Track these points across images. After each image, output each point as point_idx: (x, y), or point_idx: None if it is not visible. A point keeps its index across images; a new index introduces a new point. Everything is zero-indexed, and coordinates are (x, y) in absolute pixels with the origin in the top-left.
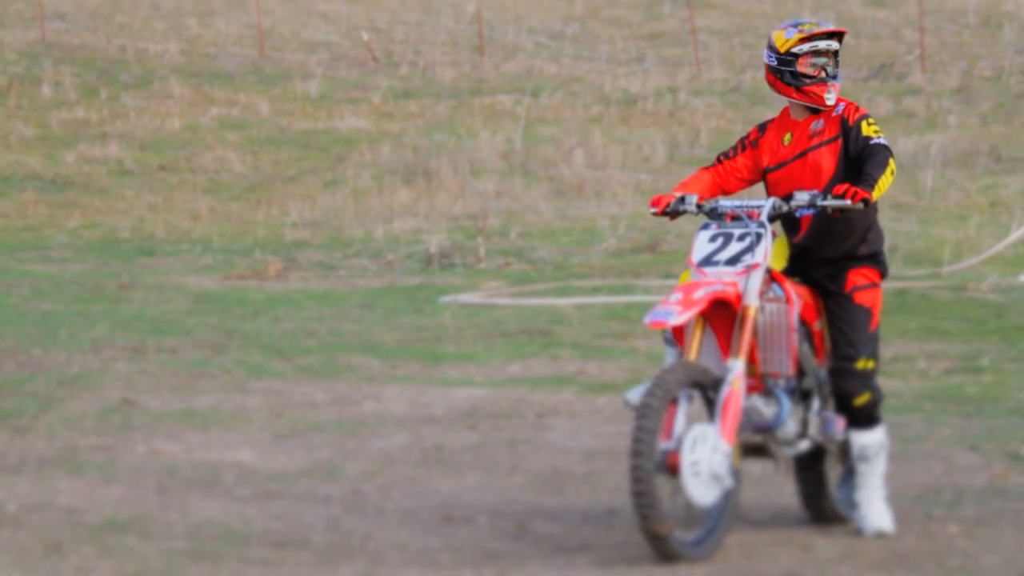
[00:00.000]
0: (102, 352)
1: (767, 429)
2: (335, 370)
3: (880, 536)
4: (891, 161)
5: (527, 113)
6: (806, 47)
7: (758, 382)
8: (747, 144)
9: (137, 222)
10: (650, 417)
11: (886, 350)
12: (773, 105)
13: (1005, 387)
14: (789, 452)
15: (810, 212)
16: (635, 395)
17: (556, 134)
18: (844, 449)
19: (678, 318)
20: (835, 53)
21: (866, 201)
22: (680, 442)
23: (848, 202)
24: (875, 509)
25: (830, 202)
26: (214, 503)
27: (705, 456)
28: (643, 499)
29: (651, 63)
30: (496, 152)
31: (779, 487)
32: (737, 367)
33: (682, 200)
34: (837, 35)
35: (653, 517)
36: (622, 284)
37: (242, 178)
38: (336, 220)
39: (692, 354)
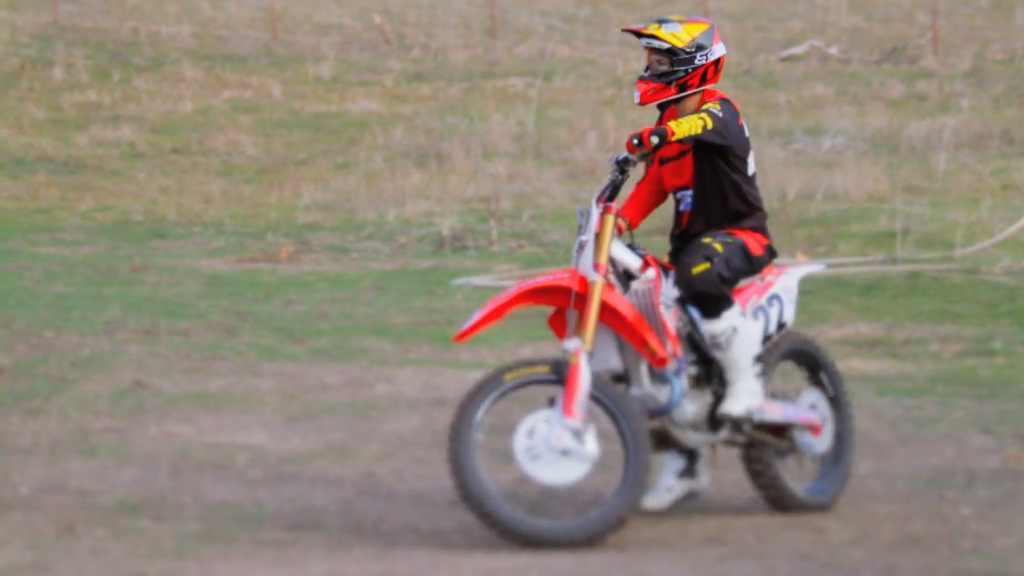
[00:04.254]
0: (114, 334)
1: (662, 412)
2: (347, 353)
3: (727, 415)
4: (698, 116)
5: (539, 96)
6: (643, 43)
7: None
8: None
9: (149, 205)
10: (459, 440)
11: (898, 333)
12: (784, 88)
13: (1018, 370)
14: (697, 439)
15: (623, 171)
16: (649, 500)
17: (568, 117)
18: (792, 440)
19: (470, 322)
20: (664, 52)
21: (661, 134)
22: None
23: (637, 140)
24: (732, 394)
25: (633, 155)
26: (226, 485)
27: (541, 437)
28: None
29: None
30: (508, 135)
31: (791, 472)
32: (572, 344)
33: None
34: (658, 36)
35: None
36: None
37: (254, 161)
38: (348, 203)
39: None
